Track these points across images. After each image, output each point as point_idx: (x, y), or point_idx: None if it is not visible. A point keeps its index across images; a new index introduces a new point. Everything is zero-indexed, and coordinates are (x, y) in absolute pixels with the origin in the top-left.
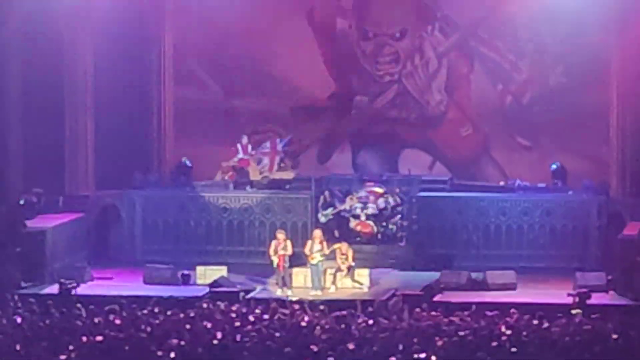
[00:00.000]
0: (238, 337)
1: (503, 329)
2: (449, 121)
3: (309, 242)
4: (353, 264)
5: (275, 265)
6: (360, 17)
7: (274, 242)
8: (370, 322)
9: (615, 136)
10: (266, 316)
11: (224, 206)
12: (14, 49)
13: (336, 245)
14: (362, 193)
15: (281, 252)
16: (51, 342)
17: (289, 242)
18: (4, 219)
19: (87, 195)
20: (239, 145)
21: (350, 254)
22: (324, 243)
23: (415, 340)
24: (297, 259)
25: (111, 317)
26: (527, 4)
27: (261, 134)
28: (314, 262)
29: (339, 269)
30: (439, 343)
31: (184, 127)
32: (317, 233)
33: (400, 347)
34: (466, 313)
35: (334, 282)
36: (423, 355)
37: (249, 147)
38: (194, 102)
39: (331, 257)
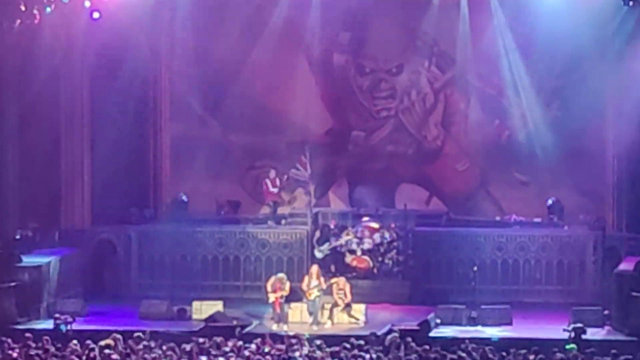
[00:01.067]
0: None
1: None
2: (446, 156)
3: (307, 278)
4: (350, 299)
5: (271, 302)
6: (357, 52)
7: (273, 278)
8: (367, 357)
9: (611, 171)
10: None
11: (220, 241)
12: (11, 84)
13: (333, 280)
14: (358, 228)
15: (279, 294)
16: None
17: (288, 284)
18: (0, 254)
19: (83, 230)
20: (267, 181)
21: (347, 289)
22: (321, 278)
23: None
24: (294, 295)
25: (107, 352)
26: (524, 40)
27: (258, 169)
28: (311, 297)
29: (335, 304)
30: None
31: (180, 163)
32: (315, 269)
33: None
34: (462, 348)
35: (330, 317)
36: None
37: (277, 180)
38: (191, 137)
39: (328, 292)
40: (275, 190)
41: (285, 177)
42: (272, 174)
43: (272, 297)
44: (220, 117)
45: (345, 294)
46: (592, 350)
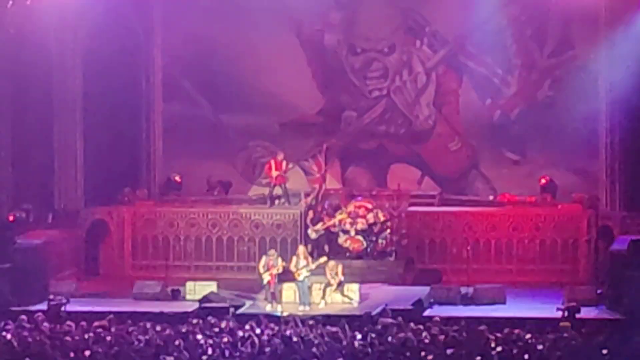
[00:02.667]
0: (227, 353)
1: (493, 344)
2: (438, 136)
3: (294, 259)
4: (342, 278)
5: (265, 282)
6: (349, 32)
7: (264, 258)
8: (360, 337)
9: (604, 150)
10: (257, 331)
11: (213, 222)
12: (3, 66)
13: (322, 260)
14: (352, 208)
15: (274, 272)
16: (41, 359)
17: (280, 260)
18: None
19: (76, 211)
20: (272, 162)
21: (339, 269)
22: (309, 258)
23: (406, 355)
24: (287, 275)
25: (101, 333)
26: (515, 19)
27: (249, 150)
28: (300, 278)
29: (328, 284)
30: (429, 358)
31: (173, 143)
32: (302, 249)
33: None
34: (456, 328)
35: (323, 297)
36: None
37: (284, 163)
38: (183, 118)
39: (319, 272)
40: (275, 174)
41: (291, 165)
42: (281, 156)
43: (266, 277)
44: (212, 97)
45: (337, 274)
46: (585, 330)
